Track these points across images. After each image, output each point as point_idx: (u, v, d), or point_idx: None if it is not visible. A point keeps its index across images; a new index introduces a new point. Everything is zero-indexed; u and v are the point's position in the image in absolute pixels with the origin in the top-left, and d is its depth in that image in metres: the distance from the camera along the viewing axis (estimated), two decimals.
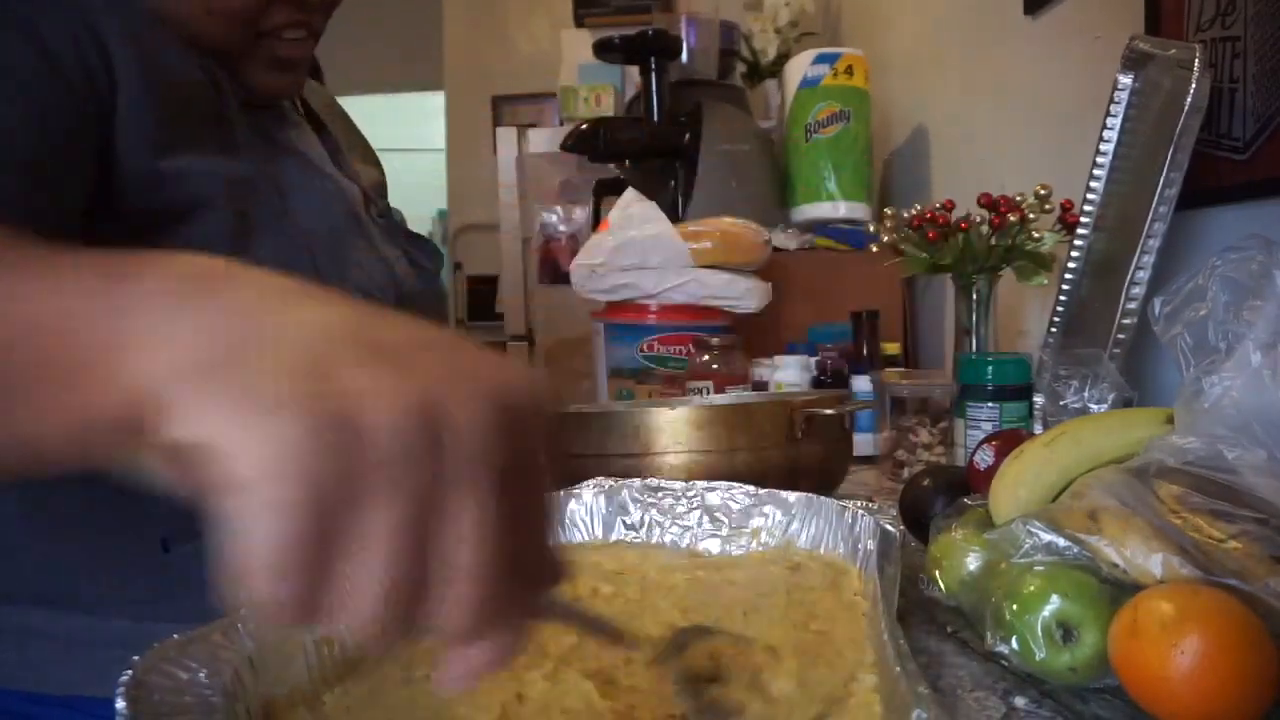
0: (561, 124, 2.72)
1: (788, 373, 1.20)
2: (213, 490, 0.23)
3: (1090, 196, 1.00)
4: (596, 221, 1.75)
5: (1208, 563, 0.44)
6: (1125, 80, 0.96)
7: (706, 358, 1.15)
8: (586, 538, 0.69)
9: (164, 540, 0.65)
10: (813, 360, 1.22)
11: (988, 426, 0.88)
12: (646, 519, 0.69)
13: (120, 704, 0.34)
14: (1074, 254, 1.02)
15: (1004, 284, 1.14)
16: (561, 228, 2.42)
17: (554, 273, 2.42)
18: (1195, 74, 0.84)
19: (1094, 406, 0.75)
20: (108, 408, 0.27)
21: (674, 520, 0.69)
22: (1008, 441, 0.65)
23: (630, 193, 1.40)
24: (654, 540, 0.68)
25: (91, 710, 0.66)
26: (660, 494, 0.70)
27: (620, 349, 1.34)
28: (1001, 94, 1.43)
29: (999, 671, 0.51)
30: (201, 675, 0.38)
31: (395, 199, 0.95)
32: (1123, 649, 0.44)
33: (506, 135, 2.85)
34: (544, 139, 2.71)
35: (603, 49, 1.78)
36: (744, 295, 1.31)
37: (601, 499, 0.70)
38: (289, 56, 0.74)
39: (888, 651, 0.41)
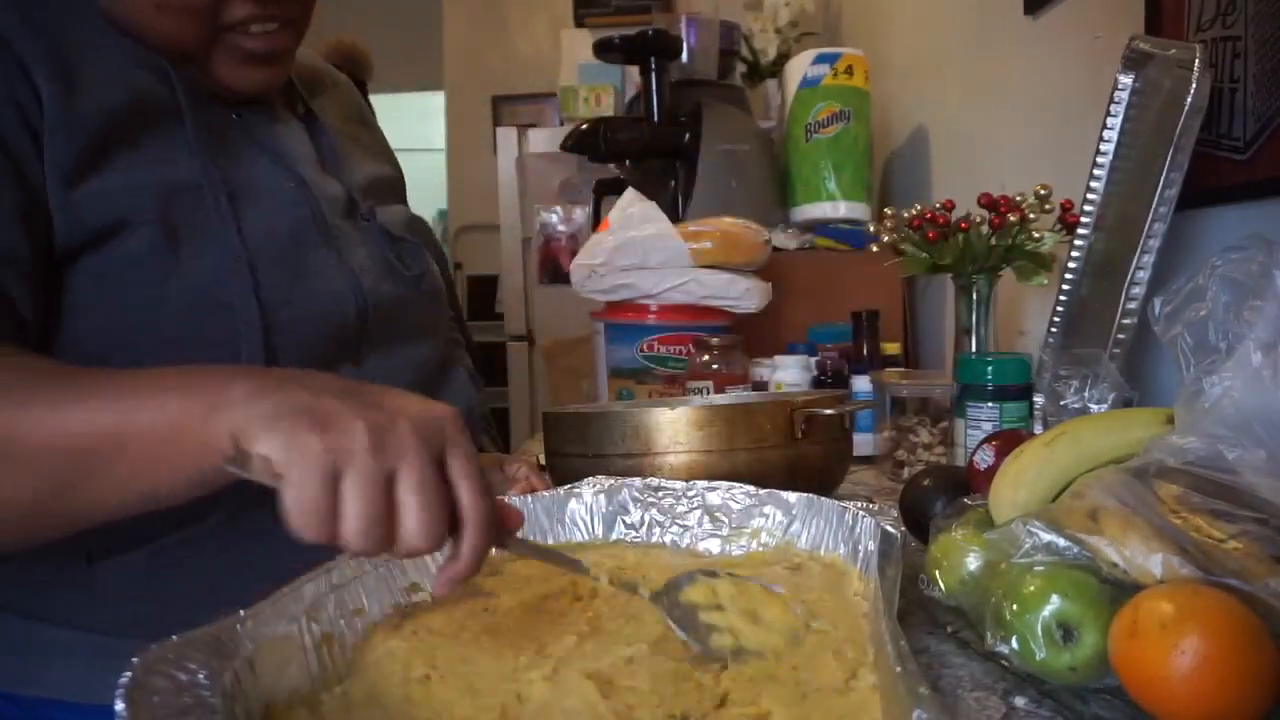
0: (561, 124, 2.73)
1: (788, 373, 1.20)
2: (271, 480, 0.43)
3: (1090, 196, 1.00)
4: (596, 221, 1.74)
5: (1208, 563, 0.44)
6: (1125, 80, 0.96)
7: (706, 358, 1.15)
8: (587, 537, 0.69)
9: (88, 555, 0.68)
10: (813, 360, 1.22)
11: (988, 426, 0.88)
12: (647, 519, 0.69)
13: (119, 705, 0.34)
14: (1074, 254, 1.02)
15: (1004, 284, 1.14)
16: (561, 228, 2.42)
17: (554, 273, 2.43)
18: (1195, 74, 0.84)
19: (1094, 406, 0.74)
20: (215, 455, 0.44)
21: (674, 520, 0.69)
22: (1008, 441, 0.65)
23: (630, 193, 1.40)
24: (654, 540, 0.69)
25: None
26: (660, 494, 0.70)
27: (620, 349, 1.34)
28: (1001, 94, 1.43)
29: (999, 671, 0.51)
30: (201, 676, 0.38)
31: None
32: (1123, 649, 0.44)
33: (506, 135, 2.86)
34: (544, 139, 2.71)
35: (603, 49, 1.78)
36: (744, 295, 1.31)
37: (601, 499, 0.70)
38: (261, 50, 0.72)
39: (888, 651, 0.41)
